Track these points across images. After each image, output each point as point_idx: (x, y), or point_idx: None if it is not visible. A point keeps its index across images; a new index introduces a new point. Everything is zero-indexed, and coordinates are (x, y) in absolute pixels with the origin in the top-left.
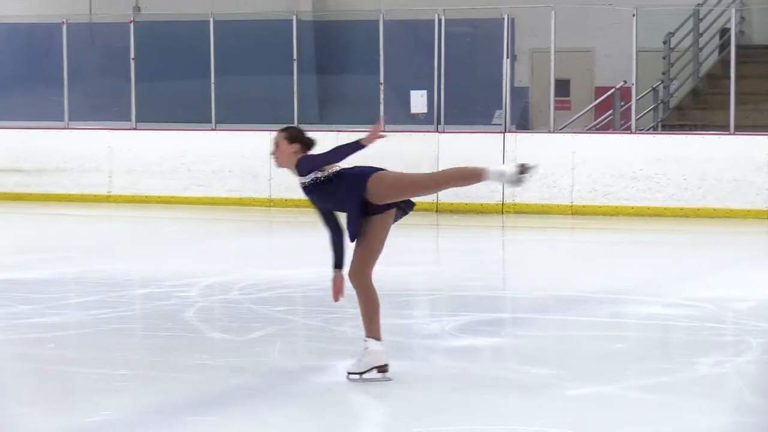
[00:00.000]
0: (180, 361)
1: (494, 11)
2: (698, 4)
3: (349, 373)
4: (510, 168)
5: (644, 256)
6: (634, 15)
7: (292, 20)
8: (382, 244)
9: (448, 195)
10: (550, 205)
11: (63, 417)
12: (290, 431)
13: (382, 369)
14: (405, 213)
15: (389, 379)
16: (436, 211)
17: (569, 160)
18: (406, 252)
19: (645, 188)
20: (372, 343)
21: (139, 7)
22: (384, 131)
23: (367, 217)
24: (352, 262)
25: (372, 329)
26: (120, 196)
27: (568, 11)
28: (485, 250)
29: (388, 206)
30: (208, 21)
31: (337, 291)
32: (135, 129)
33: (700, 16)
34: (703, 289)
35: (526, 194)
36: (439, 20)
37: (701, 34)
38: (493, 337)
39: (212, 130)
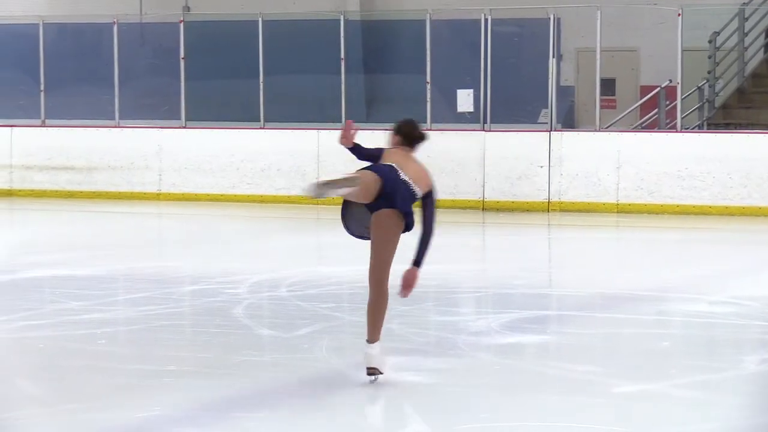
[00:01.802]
0: (228, 357)
1: (540, 11)
2: (743, 3)
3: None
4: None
5: (689, 255)
6: (679, 14)
7: (339, 20)
8: (380, 246)
9: (495, 193)
10: (596, 203)
11: (112, 413)
12: (337, 427)
13: (371, 372)
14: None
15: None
16: (483, 209)
17: (615, 158)
18: (452, 249)
19: (690, 187)
20: (367, 347)
21: (188, 7)
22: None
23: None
24: (369, 264)
25: (372, 332)
26: (169, 194)
27: (614, 11)
28: (531, 248)
29: (380, 206)
30: (257, 21)
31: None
32: (184, 128)
33: (746, 15)
34: (748, 287)
35: (571, 192)
36: (486, 20)
37: (746, 34)
38: (539, 335)
39: (261, 128)
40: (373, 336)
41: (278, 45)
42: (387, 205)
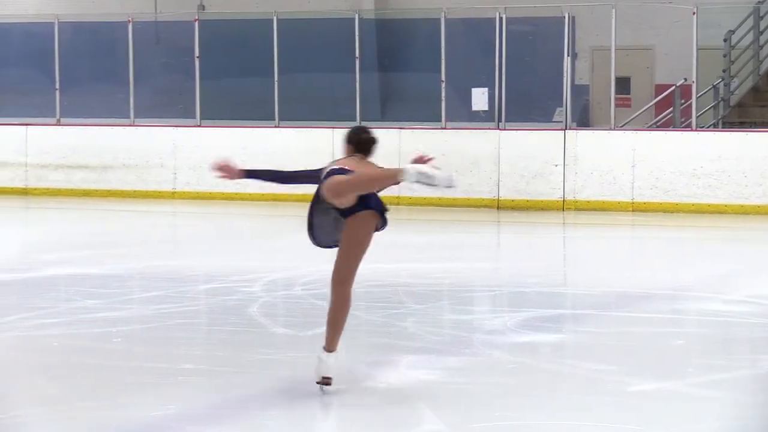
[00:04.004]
0: (244, 355)
1: (555, 9)
2: (759, 1)
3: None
4: (428, 170)
5: (705, 253)
6: (694, 13)
7: (354, 18)
8: (353, 250)
9: (510, 191)
10: (611, 202)
11: (128, 411)
12: (353, 425)
13: (325, 382)
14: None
15: (325, 393)
16: (497, 207)
17: (630, 157)
18: (467, 248)
19: (705, 185)
20: (324, 355)
21: (203, 6)
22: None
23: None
24: (334, 266)
25: (331, 340)
26: (184, 192)
27: (629, 9)
28: (546, 247)
29: (355, 209)
30: (272, 19)
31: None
32: (199, 126)
33: (761, 14)
34: (764, 286)
35: (586, 191)
36: (500, 18)
37: (762, 32)
38: (554, 333)
39: (275, 127)
40: (332, 345)
41: (293, 43)
42: (363, 207)
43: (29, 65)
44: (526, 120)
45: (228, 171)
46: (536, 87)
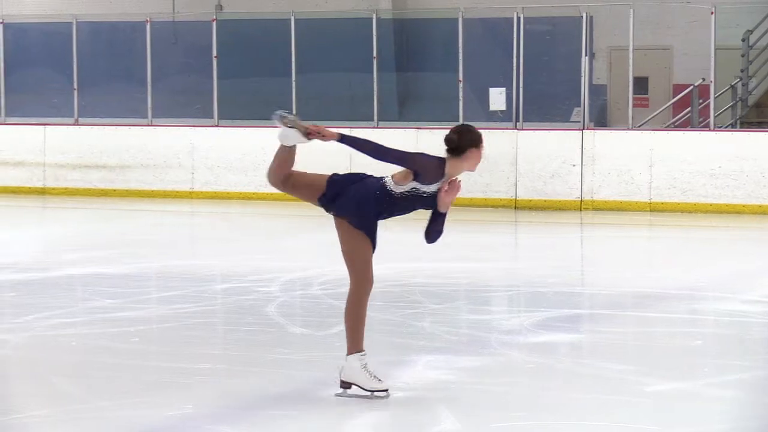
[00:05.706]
0: (261, 355)
1: (573, 9)
2: None
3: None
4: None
5: (722, 253)
6: (712, 13)
7: (372, 18)
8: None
9: (527, 191)
10: (629, 202)
11: (145, 411)
12: (370, 425)
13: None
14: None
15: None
16: (515, 207)
17: (647, 157)
18: (484, 248)
19: (723, 185)
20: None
21: (221, 6)
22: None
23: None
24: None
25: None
26: (202, 192)
27: (647, 9)
28: (563, 247)
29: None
30: (289, 19)
31: None
32: (217, 126)
33: None
34: None
35: (604, 191)
36: (518, 18)
37: None
38: (571, 333)
39: (293, 127)
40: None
41: (310, 43)
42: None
43: (47, 65)
44: (543, 120)
45: (323, 132)
46: (554, 87)
